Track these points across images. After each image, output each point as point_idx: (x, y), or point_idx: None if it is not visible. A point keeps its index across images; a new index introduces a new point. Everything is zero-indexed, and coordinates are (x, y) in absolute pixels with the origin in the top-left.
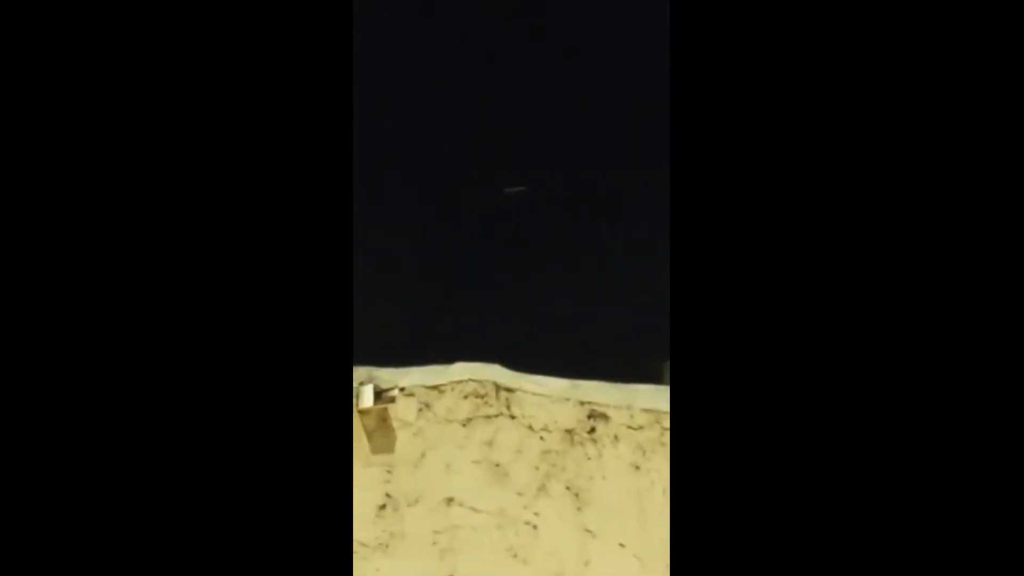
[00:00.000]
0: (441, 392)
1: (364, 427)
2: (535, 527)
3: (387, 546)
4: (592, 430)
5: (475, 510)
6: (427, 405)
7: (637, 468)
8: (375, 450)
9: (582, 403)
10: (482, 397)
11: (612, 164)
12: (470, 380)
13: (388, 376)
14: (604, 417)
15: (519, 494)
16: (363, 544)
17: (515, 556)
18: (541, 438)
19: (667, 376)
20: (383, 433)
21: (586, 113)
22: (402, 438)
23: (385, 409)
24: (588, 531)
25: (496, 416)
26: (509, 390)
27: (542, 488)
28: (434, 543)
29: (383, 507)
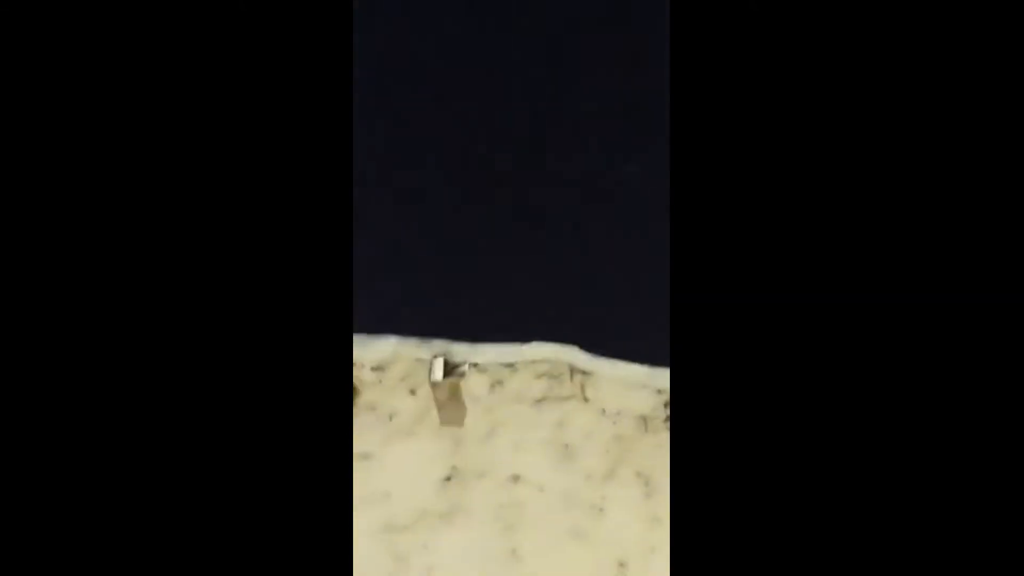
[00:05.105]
0: (515, 370)
1: (436, 400)
2: (601, 510)
3: (451, 516)
4: (667, 418)
5: (541, 489)
6: (499, 382)
7: None
8: (444, 422)
9: (659, 391)
10: (556, 378)
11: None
12: (544, 360)
13: (462, 351)
14: None
15: (588, 477)
16: (427, 512)
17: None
18: (613, 423)
19: None
20: (454, 407)
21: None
22: (473, 413)
23: (457, 383)
24: (656, 519)
25: (569, 398)
26: (585, 373)
27: (610, 473)
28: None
29: (448, 479)
